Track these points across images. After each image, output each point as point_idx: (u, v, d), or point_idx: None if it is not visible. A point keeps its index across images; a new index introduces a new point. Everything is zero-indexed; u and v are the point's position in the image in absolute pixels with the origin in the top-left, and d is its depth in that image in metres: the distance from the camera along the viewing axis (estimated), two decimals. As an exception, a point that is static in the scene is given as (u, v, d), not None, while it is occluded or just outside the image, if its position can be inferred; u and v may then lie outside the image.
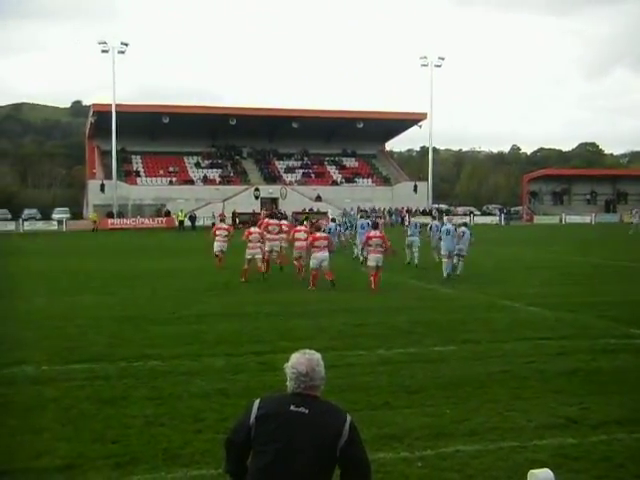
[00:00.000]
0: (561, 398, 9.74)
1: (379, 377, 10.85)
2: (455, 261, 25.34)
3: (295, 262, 24.79)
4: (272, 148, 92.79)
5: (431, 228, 31.38)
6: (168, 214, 75.26)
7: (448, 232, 25.38)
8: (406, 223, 35.39)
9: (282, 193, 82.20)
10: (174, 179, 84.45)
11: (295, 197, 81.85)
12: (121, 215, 75.77)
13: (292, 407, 4.36)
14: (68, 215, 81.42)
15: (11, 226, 72.56)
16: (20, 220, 74.69)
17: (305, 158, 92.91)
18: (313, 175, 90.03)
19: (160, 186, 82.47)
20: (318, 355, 4.47)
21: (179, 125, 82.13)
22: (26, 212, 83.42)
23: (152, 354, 12.33)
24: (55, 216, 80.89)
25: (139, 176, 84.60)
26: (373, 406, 9.36)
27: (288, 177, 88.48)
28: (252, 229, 25.35)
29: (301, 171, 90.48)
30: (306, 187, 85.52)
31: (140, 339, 13.75)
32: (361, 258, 28.42)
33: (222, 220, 32.11)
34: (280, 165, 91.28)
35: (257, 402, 4.51)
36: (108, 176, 78.96)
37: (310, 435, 4.28)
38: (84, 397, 9.74)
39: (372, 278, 21.44)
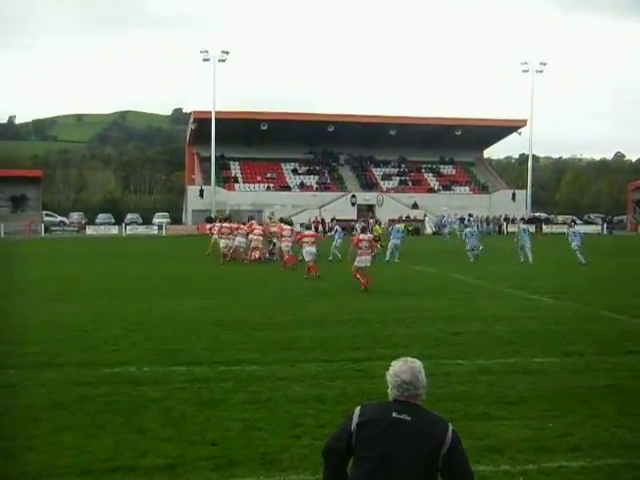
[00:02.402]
0: (671, 415, 9.27)
1: (477, 387, 10.62)
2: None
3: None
4: (369, 155, 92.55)
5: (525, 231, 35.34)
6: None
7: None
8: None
9: (378, 200, 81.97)
10: (271, 185, 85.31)
11: (391, 204, 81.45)
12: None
13: (394, 414, 4.32)
14: (168, 220, 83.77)
15: (114, 230, 74.98)
16: (123, 224, 77.08)
17: (402, 165, 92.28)
18: (410, 182, 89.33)
19: (257, 192, 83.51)
20: (419, 363, 4.46)
21: (277, 132, 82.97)
22: (128, 217, 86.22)
23: (251, 358, 12.39)
24: (155, 220, 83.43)
25: (237, 182, 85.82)
26: (471, 417, 9.14)
27: (385, 184, 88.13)
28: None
29: (398, 178, 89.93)
30: (403, 194, 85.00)
31: (239, 343, 13.81)
32: (388, 256, 35.14)
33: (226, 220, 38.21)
34: (377, 172, 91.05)
35: (358, 409, 4.50)
36: (207, 182, 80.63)
37: (412, 442, 4.23)
38: (184, 399, 9.88)
39: (359, 277, 23.02)
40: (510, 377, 11.25)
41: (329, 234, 36.55)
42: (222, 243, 34.46)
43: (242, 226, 36.41)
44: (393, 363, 4.47)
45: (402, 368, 4.43)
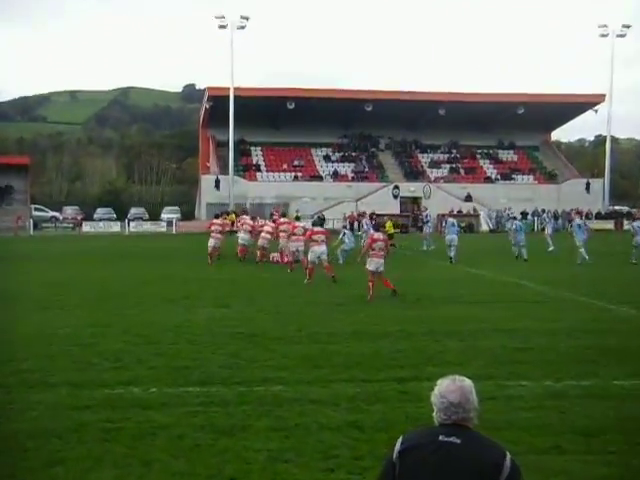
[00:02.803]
0: None
1: (546, 414, 10.47)
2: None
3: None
4: (414, 139, 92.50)
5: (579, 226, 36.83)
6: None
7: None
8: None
9: (425, 192, 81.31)
10: (299, 174, 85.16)
11: (441, 196, 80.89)
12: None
13: (441, 437, 4.37)
14: (178, 215, 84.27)
15: (116, 227, 75.44)
16: (126, 221, 77.58)
17: (453, 151, 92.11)
18: (462, 171, 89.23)
19: (283, 182, 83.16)
20: (469, 382, 4.50)
21: (306, 112, 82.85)
22: (132, 211, 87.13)
23: (275, 378, 12.35)
24: (164, 216, 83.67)
25: (259, 170, 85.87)
26: (539, 449, 9.00)
27: (433, 173, 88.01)
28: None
29: (448, 166, 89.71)
30: (454, 185, 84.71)
31: (262, 360, 13.75)
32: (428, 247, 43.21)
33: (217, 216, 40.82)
34: (423, 159, 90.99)
35: (400, 438, 4.57)
36: (224, 171, 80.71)
37: (464, 466, 4.24)
38: (198, 426, 9.87)
39: (370, 284, 22.80)
40: (585, 402, 11.08)
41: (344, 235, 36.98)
42: (210, 242, 36.27)
43: (261, 222, 38.08)
44: (439, 382, 4.52)
45: (450, 388, 4.47)
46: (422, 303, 21.74)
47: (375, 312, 20.04)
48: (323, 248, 27.18)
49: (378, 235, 24.05)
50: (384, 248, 23.49)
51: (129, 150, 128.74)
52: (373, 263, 23.07)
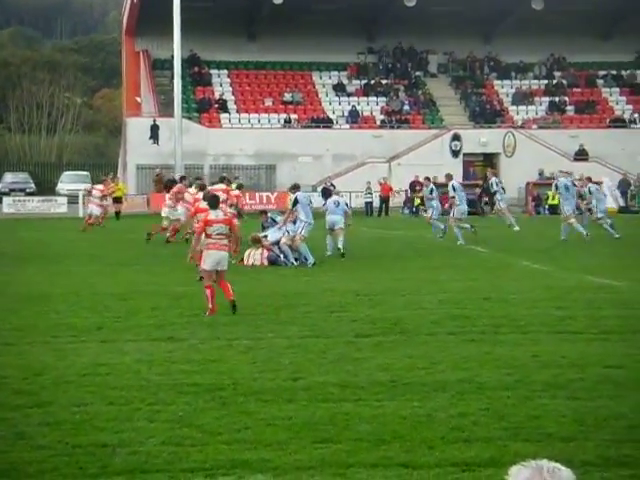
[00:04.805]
0: None
1: None
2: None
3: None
4: (487, 54, 63.26)
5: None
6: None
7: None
8: None
9: (506, 144, 55.34)
10: (293, 117, 57.67)
11: (532, 151, 54.37)
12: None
13: None
14: (87, 185, 52.66)
15: None
16: None
17: (556, 73, 62.34)
18: (571, 107, 60.58)
19: (265, 131, 56.66)
20: (568, 475, 3.65)
21: (303, 10, 57.33)
22: (7, 179, 63.54)
23: (255, 461, 8.97)
24: (63, 187, 59.51)
25: (225, 110, 58.06)
26: None
27: (518, 112, 60.25)
28: None
29: (547, 100, 60.41)
30: (555, 132, 57.06)
31: (231, 430, 9.81)
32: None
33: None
34: (501, 87, 63.17)
35: None
36: (165, 110, 54.50)
37: None
38: None
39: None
40: None
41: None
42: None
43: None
44: (513, 472, 3.72)
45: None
46: (500, 331, 15.32)
47: (424, 347, 14.15)
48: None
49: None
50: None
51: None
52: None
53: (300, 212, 25.08)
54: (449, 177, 32.77)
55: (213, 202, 18.08)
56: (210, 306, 16.69)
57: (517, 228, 34.93)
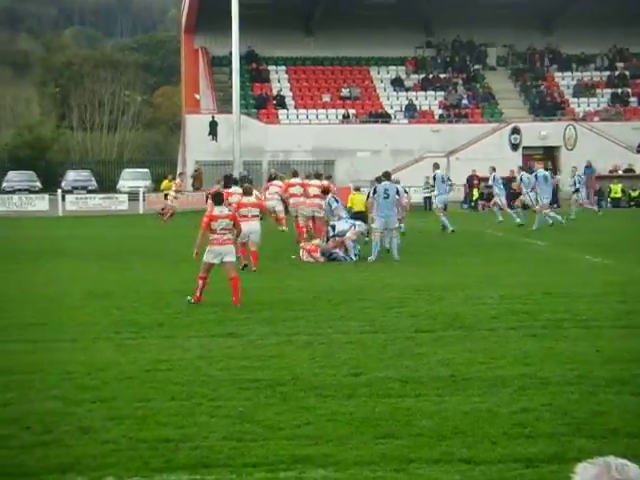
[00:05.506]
0: None
1: None
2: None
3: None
4: (547, 44, 63.11)
5: None
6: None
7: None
8: None
9: (567, 136, 55.03)
10: (351, 112, 57.86)
11: (594, 144, 53.86)
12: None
13: None
14: (148, 182, 59.26)
15: (42, 204, 51.15)
16: (58, 193, 51.22)
17: (618, 64, 61.57)
18: (635, 98, 59.89)
19: (323, 126, 57.18)
20: (637, 471, 3.49)
21: (360, 6, 58.39)
22: (70, 177, 61.88)
23: (316, 456, 8.94)
24: (124, 184, 59.27)
25: (283, 107, 58.65)
26: None
27: (580, 104, 60.16)
28: None
29: (609, 92, 59.97)
30: (617, 125, 56.48)
31: (292, 426, 9.79)
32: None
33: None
34: (562, 79, 62.51)
35: None
36: (224, 107, 54.63)
37: None
38: None
39: None
40: None
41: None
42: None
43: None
44: (580, 470, 3.55)
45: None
46: (562, 326, 14.93)
47: (484, 343, 14.02)
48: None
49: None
50: None
51: (61, 71, 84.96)
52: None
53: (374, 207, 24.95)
54: (513, 171, 34.24)
55: (218, 198, 18.85)
56: (197, 294, 17.63)
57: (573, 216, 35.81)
